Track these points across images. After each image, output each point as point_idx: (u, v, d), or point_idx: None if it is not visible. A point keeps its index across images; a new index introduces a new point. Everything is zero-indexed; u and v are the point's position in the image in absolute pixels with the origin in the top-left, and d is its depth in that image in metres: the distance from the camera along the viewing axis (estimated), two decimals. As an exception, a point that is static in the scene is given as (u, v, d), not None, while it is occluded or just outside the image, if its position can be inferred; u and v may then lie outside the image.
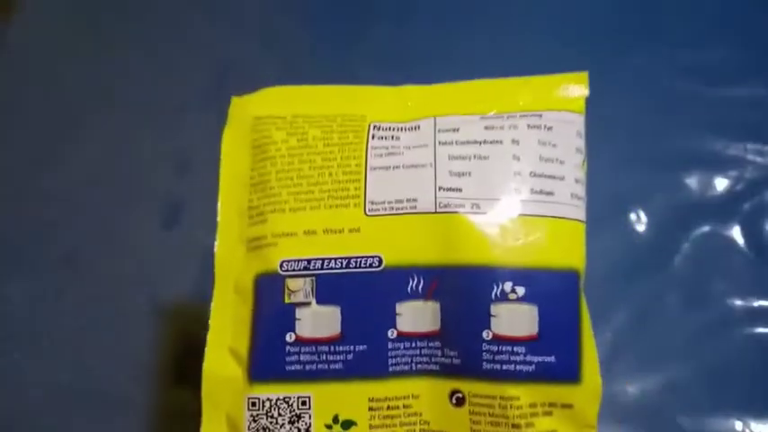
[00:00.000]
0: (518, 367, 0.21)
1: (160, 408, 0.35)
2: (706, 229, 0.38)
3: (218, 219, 0.24)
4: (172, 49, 0.43)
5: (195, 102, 0.41)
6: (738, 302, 0.36)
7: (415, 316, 0.22)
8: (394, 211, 0.22)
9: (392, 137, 0.23)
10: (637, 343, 0.35)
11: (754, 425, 0.34)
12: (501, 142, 0.22)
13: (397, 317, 0.22)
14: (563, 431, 0.21)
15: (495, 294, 0.21)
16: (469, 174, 0.22)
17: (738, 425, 0.34)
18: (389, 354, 0.22)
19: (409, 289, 0.22)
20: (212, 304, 0.24)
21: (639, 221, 0.38)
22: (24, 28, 0.44)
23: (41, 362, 0.36)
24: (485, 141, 0.23)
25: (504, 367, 0.21)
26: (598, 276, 0.37)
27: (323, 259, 0.22)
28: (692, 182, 0.39)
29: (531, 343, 0.21)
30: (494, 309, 0.21)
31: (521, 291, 0.21)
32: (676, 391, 0.34)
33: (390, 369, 0.22)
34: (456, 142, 0.23)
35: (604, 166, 0.39)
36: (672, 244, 0.37)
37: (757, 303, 0.36)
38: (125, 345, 0.36)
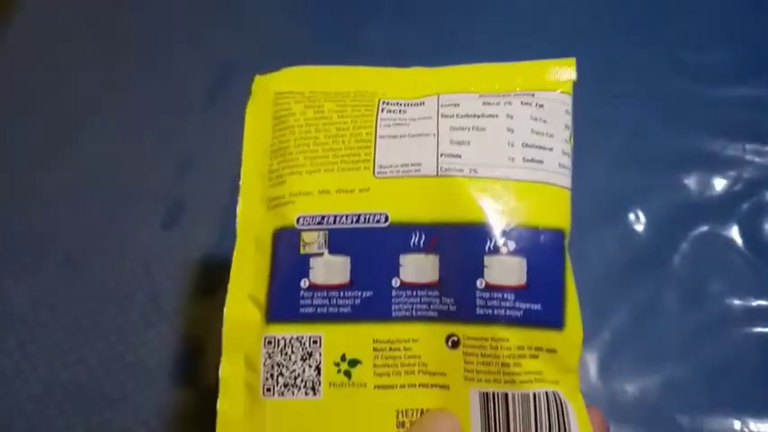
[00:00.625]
0: (508, 312, 0.23)
1: (159, 408, 0.35)
2: (704, 228, 0.38)
3: (241, 182, 0.27)
4: (172, 49, 0.43)
5: (196, 102, 0.42)
6: (737, 302, 0.36)
7: (417, 267, 0.24)
8: (400, 174, 0.25)
9: (399, 111, 0.26)
10: (636, 342, 0.36)
11: (752, 423, 0.34)
12: (497, 116, 0.25)
13: (401, 268, 0.24)
14: (547, 373, 0.23)
15: (489, 248, 0.24)
16: (468, 143, 0.25)
17: (737, 424, 0.34)
18: (393, 300, 0.24)
19: (412, 243, 0.24)
20: (233, 257, 0.26)
21: (638, 221, 0.38)
22: (24, 28, 0.44)
23: (42, 361, 0.36)
24: (482, 115, 0.25)
25: (496, 312, 0.23)
26: (597, 276, 0.37)
27: (335, 215, 0.25)
28: (691, 182, 0.39)
29: (519, 291, 0.23)
30: (487, 260, 0.23)
31: (511, 245, 0.24)
32: (675, 389, 0.35)
33: (393, 314, 0.24)
34: (457, 115, 0.25)
35: (603, 166, 0.39)
36: (670, 244, 0.38)
37: (755, 303, 0.36)
38: (125, 345, 0.36)
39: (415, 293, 0.24)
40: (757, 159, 0.39)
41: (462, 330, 0.24)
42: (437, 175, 0.25)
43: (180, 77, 0.42)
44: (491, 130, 0.25)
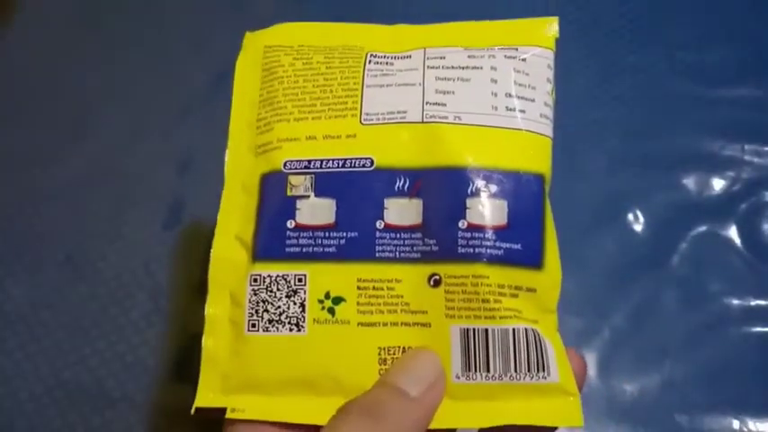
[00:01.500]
0: (488, 251, 0.24)
1: (160, 407, 0.35)
2: (703, 228, 0.38)
3: (229, 131, 0.27)
4: (172, 49, 0.43)
5: (196, 102, 0.42)
6: (735, 302, 0.36)
7: (401, 211, 0.25)
8: (386, 121, 0.25)
9: (386, 63, 0.27)
10: (635, 342, 0.36)
11: (750, 423, 0.34)
12: (481, 68, 0.26)
13: (385, 211, 0.25)
14: (526, 312, 0.24)
15: (471, 191, 0.24)
16: (453, 92, 0.25)
17: (735, 423, 0.34)
18: (377, 242, 0.25)
19: (396, 188, 0.25)
20: (221, 201, 0.27)
21: (637, 221, 0.38)
22: (24, 28, 0.44)
23: (42, 361, 0.36)
24: (467, 67, 0.26)
25: (477, 251, 0.24)
26: (596, 275, 0.37)
27: (322, 160, 0.25)
28: (690, 182, 0.39)
29: (500, 231, 0.24)
30: (469, 203, 0.24)
31: (493, 188, 0.24)
32: (674, 389, 0.35)
33: (377, 255, 0.25)
34: (442, 67, 0.26)
35: (602, 166, 0.39)
36: (669, 244, 0.38)
37: (754, 303, 0.36)
38: (126, 344, 0.36)
39: (398, 236, 0.25)
40: (756, 159, 0.39)
41: (444, 269, 0.24)
42: (422, 121, 0.25)
43: (180, 77, 0.42)
44: (475, 80, 0.25)
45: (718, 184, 0.39)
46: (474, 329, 0.24)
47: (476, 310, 0.24)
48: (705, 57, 0.42)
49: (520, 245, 0.24)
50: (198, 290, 0.37)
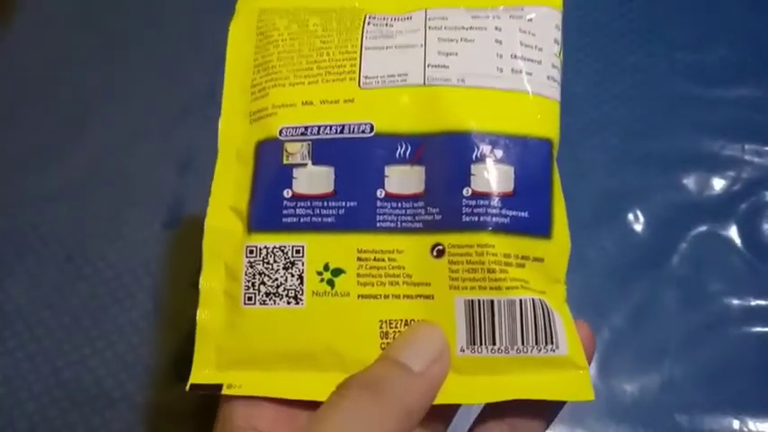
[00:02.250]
0: (494, 219, 0.23)
1: (160, 407, 0.35)
2: (703, 228, 0.38)
3: (222, 97, 0.26)
4: (172, 49, 0.43)
5: (196, 102, 0.42)
6: (735, 302, 0.36)
7: (402, 179, 0.24)
8: (386, 84, 0.24)
9: (386, 24, 0.26)
10: (635, 341, 0.36)
11: (750, 423, 0.34)
12: (485, 29, 0.25)
13: (386, 179, 0.24)
14: (534, 283, 0.23)
15: (475, 156, 0.23)
16: (456, 54, 0.24)
17: (735, 423, 0.34)
18: (377, 211, 0.24)
19: (397, 155, 0.24)
20: (215, 171, 0.26)
21: (637, 221, 0.38)
22: (24, 28, 0.44)
23: (43, 361, 0.36)
24: (471, 27, 0.25)
25: (482, 219, 0.23)
26: (596, 275, 0.37)
27: (319, 126, 0.24)
28: (690, 182, 0.39)
29: (506, 198, 0.23)
30: (473, 169, 0.23)
31: (498, 153, 0.23)
32: (674, 389, 0.35)
33: (378, 225, 0.24)
34: (445, 27, 0.25)
35: (602, 166, 0.39)
36: (669, 244, 0.38)
37: (754, 302, 0.36)
38: (126, 344, 0.36)
39: (400, 205, 0.24)
40: (756, 159, 0.39)
41: (448, 239, 0.23)
42: (424, 84, 0.24)
43: (180, 77, 0.42)
44: (479, 41, 0.24)
45: (718, 184, 0.39)
46: (479, 301, 0.23)
47: (481, 281, 0.23)
48: (705, 57, 0.42)
49: (527, 213, 0.23)
50: (198, 289, 0.37)
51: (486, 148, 0.23)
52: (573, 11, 0.44)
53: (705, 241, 0.38)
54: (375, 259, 0.23)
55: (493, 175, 0.23)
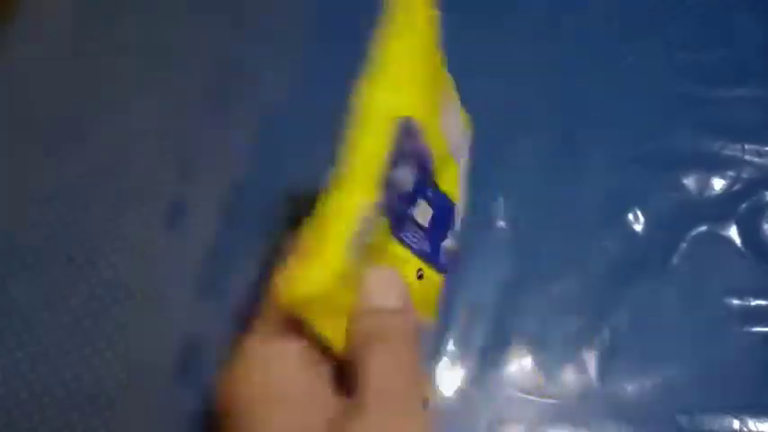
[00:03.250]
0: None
1: (160, 407, 0.35)
2: (703, 228, 0.38)
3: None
4: (172, 49, 0.43)
5: (197, 102, 0.42)
6: (735, 302, 0.36)
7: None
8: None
9: None
10: (635, 342, 0.36)
11: (751, 423, 0.34)
12: None
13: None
14: None
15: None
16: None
17: (736, 423, 0.34)
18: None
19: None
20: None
21: (637, 221, 0.38)
22: (25, 28, 0.44)
23: (43, 361, 0.36)
24: None
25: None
26: (596, 275, 0.37)
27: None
28: (690, 182, 0.39)
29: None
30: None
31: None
32: (674, 389, 0.35)
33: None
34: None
35: (602, 167, 0.39)
36: (670, 244, 0.38)
37: (754, 303, 0.36)
38: (126, 345, 0.36)
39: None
40: (756, 159, 0.39)
41: None
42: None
43: (180, 77, 0.42)
44: None
45: (718, 184, 0.39)
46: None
47: None
48: (705, 57, 0.42)
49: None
50: (198, 290, 0.37)
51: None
52: (573, 11, 0.44)
53: (705, 241, 0.38)
54: None
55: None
